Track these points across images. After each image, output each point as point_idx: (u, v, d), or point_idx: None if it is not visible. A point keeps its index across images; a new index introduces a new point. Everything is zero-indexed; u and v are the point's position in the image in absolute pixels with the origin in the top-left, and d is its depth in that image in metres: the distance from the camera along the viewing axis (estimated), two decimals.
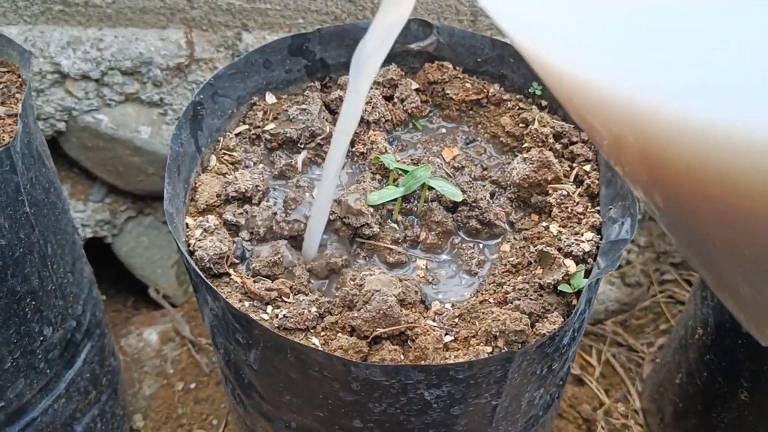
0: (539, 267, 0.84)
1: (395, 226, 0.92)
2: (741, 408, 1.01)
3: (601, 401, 1.43)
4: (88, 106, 1.40)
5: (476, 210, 0.92)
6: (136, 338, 1.54)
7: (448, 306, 0.85)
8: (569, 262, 0.82)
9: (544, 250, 0.83)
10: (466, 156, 1.02)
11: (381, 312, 0.77)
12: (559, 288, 0.81)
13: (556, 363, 0.83)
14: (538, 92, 1.01)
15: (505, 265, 0.88)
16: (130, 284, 1.68)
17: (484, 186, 0.96)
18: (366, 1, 1.32)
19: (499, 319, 0.76)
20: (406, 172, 0.93)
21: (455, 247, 0.91)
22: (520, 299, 0.81)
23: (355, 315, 0.78)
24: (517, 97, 1.04)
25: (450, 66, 1.06)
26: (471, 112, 1.06)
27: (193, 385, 1.47)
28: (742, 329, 0.97)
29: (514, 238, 0.92)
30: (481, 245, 0.92)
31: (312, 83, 1.06)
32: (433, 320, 0.82)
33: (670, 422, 1.22)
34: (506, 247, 0.91)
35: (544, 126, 0.98)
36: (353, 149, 1.00)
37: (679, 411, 1.18)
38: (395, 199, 0.92)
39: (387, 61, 1.08)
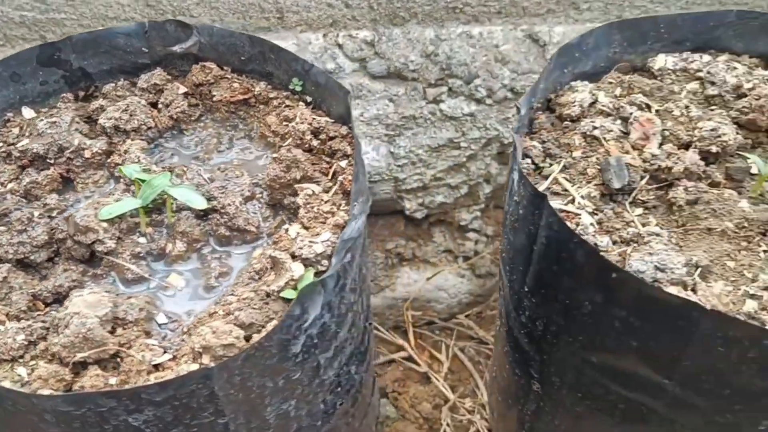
0: (272, 273, 0.80)
1: (141, 240, 0.87)
2: (537, 399, 0.98)
3: (446, 398, 1.39)
4: None
5: (225, 216, 0.87)
6: None
7: (179, 321, 0.80)
8: (296, 266, 0.78)
9: (273, 255, 0.79)
10: (233, 158, 0.97)
11: (80, 336, 0.72)
12: (282, 294, 0.76)
13: (299, 373, 0.78)
14: (299, 88, 0.97)
15: (250, 273, 0.84)
16: None
17: (240, 190, 0.91)
18: (166, 6, 1.26)
19: (201, 335, 0.72)
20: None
21: (203, 257, 0.87)
22: (242, 309, 0.76)
23: (55, 341, 0.73)
24: (284, 94, 1.00)
25: (214, 66, 1.01)
26: (240, 112, 1.01)
27: None
28: (522, 318, 0.94)
29: (266, 244, 0.87)
30: (232, 253, 0.87)
31: (66, 94, 1.00)
32: (156, 338, 0.77)
33: (495, 415, 1.19)
34: (257, 253, 0.86)
35: (302, 122, 0.93)
36: (108, 160, 0.94)
37: (499, 403, 1.15)
38: (139, 211, 0.87)
39: (151, 66, 1.03)
